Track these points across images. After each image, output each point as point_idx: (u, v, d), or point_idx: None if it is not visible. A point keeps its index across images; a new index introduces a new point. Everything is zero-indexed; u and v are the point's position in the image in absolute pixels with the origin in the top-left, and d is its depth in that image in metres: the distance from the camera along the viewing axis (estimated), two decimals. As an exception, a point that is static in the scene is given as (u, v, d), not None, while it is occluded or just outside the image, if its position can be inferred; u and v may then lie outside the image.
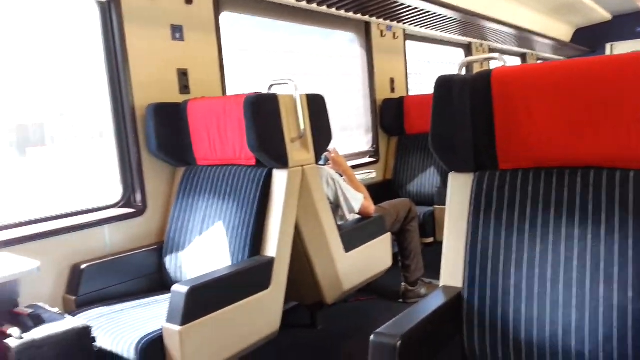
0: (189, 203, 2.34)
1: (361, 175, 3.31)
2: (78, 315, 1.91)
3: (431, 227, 3.45)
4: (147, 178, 2.38)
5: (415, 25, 4.22)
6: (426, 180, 3.79)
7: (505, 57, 2.15)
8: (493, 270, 1.44)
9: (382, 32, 4.02)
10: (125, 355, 1.71)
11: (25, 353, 1.49)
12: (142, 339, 1.71)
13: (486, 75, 1.49)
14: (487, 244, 1.46)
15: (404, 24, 4.12)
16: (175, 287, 1.76)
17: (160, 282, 2.30)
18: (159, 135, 2.30)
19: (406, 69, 4.39)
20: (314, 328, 2.83)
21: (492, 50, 5.86)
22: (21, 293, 1.78)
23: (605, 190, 1.34)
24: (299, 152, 2.25)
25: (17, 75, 2.12)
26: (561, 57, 7.63)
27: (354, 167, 3.48)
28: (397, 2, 3.42)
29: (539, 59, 7.45)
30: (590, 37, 7.65)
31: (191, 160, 2.41)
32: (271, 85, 2.44)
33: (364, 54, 3.96)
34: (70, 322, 1.63)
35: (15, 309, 1.71)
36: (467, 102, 1.50)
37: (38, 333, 1.55)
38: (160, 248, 2.35)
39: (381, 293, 3.23)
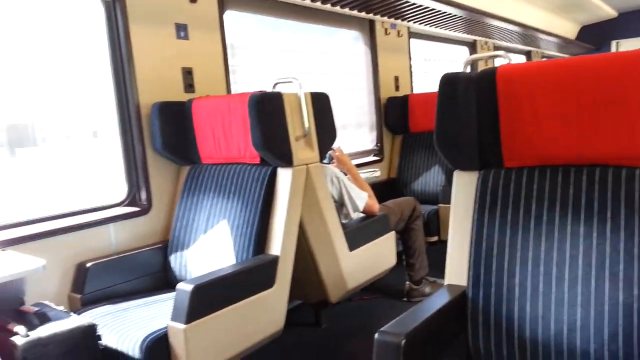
0: (194, 201, 2.34)
1: (365, 174, 3.31)
2: (83, 314, 1.92)
3: (435, 225, 3.45)
4: (152, 176, 2.39)
5: (420, 23, 4.21)
6: (430, 178, 3.79)
7: (510, 55, 2.14)
8: (498, 269, 1.44)
9: (386, 30, 4.01)
10: (130, 353, 1.71)
11: (31, 351, 1.50)
12: (147, 337, 1.72)
13: (491, 72, 1.48)
14: (492, 242, 1.46)
15: (409, 21, 4.10)
16: (180, 286, 1.77)
17: (165, 281, 2.31)
18: (164, 134, 2.31)
19: (410, 67, 4.38)
20: (318, 327, 2.83)
21: (497, 48, 5.84)
22: (27, 291, 1.79)
23: (610, 188, 1.33)
24: (303, 151, 2.25)
25: (12, 74, 2.12)
26: (566, 55, 7.60)
27: (358, 165, 3.48)
28: (401, 0, 3.41)
29: (544, 56, 7.42)
30: (596, 35, 7.61)
31: (196, 158, 2.42)
32: (275, 84, 2.45)
33: (368, 52, 3.95)
34: (76, 320, 1.64)
35: (21, 307, 1.72)
36: (472, 100, 1.50)
37: (44, 331, 1.56)
38: (165, 246, 2.35)
39: (385, 292, 3.23)
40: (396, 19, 3.95)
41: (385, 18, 3.87)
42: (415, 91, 4.44)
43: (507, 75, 1.46)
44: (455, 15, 4.08)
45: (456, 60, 5.55)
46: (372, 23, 3.90)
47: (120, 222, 2.27)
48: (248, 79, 3.04)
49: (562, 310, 1.33)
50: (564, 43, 6.82)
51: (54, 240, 2.03)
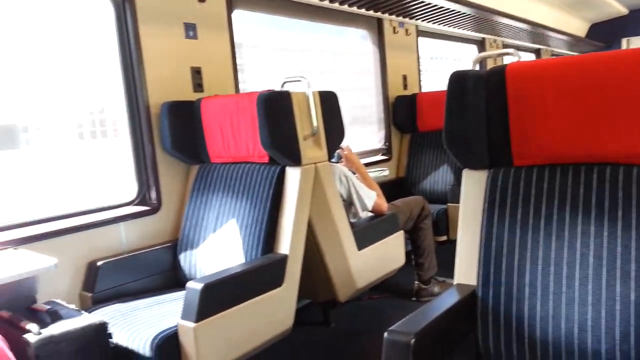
0: (203, 200, 2.35)
1: (374, 173, 3.30)
2: (94, 312, 1.93)
3: (444, 225, 3.44)
4: (162, 176, 2.40)
5: (428, 22, 4.19)
6: (439, 178, 3.77)
7: (519, 52, 2.12)
8: (508, 268, 1.43)
9: (394, 28, 4.00)
10: (140, 351, 1.73)
11: (44, 348, 1.51)
12: (157, 335, 1.73)
13: (501, 70, 1.47)
14: (502, 241, 1.45)
15: (417, 20, 4.09)
16: (189, 284, 1.78)
17: (174, 279, 2.32)
18: (173, 133, 2.32)
19: (419, 66, 4.37)
20: (327, 326, 2.83)
21: (505, 46, 5.81)
22: (39, 290, 1.82)
23: (621, 186, 1.32)
24: (311, 150, 2.25)
25: (22, 74, 2.14)
26: (576, 53, 7.54)
27: (367, 164, 3.47)
28: (409, -2, 3.41)
29: (553, 54, 7.36)
30: (606, 32, 7.54)
31: (205, 158, 2.43)
32: (284, 83, 2.45)
33: (376, 51, 3.94)
34: (87, 319, 1.66)
35: (33, 305, 1.74)
36: (481, 98, 1.49)
37: (56, 329, 1.57)
38: (175, 245, 2.37)
39: (394, 291, 3.22)
40: (404, 17, 3.94)
41: (394, 16, 3.86)
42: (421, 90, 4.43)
43: (517, 73, 1.45)
44: (464, 13, 4.06)
45: (460, 58, 5.52)
46: (380, 21, 3.89)
47: (131, 221, 2.28)
48: (256, 78, 3.05)
49: (573, 309, 1.32)
50: (573, 41, 6.77)
51: (66, 239, 2.05)
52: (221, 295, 1.83)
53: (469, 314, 1.46)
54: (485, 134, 1.51)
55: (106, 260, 2.12)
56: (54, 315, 1.65)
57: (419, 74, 4.39)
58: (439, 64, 5.26)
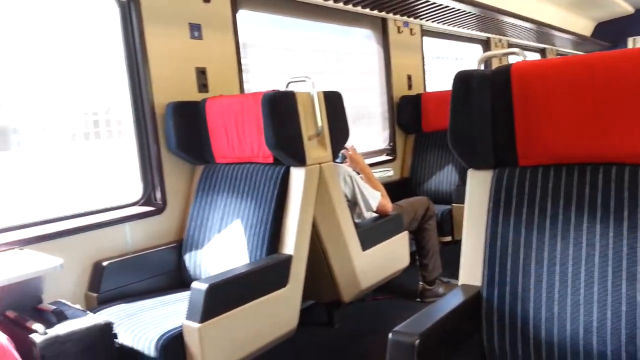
0: (208, 201, 2.36)
1: (378, 173, 3.30)
2: (99, 312, 1.94)
3: (449, 225, 3.43)
4: (167, 176, 2.41)
5: (433, 21, 4.18)
6: (444, 178, 3.77)
7: (525, 52, 2.12)
8: (513, 268, 1.42)
9: (399, 28, 4.00)
10: (145, 351, 1.73)
11: (50, 348, 1.52)
12: (162, 335, 1.73)
13: (506, 70, 1.47)
14: (507, 241, 1.45)
15: (421, 19, 4.08)
16: (194, 285, 1.78)
17: (179, 280, 2.32)
18: (178, 134, 2.33)
19: (423, 66, 4.36)
20: (331, 326, 2.82)
21: (510, 45, 5.79)
22: (45, 290, 1.82)
23: (627, 186, 1.31)
24: (316, 150, 2.25)
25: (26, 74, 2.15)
26: (581, 52, 7.50)
27: (371, 165, 3.47)
28: (414, -2, 3.40)
29: (558, 54, 7.33)
30: (612, 31, 7.50)
31: (210, 158, 2.43)
32: (289, 83, 2.45)
33: (380, 51, 3.94)
34: (92, 319, 1.67)
35: (39, 305, 1.75)
36: (486, 98, 1.49)
37: (62, 329, 1.58)
38: (180, 245, 2.37)
39: (399, 292, 3.22)
40: (409, 17, 3.93)
41: (398, 16, 3.86)
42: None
43: (522, 72, 1.45)
44: (468, 13, 4.05)
45: (462, 58, 5.50)
46: (384, 21, 3.88)
47: (136, 222, 2.29)
48: (260, 78, 3.05)
49: (578, 310, 1.32)
50: (579, 40, 6.73)
51: (71, 240, 2.06)
52: (226, 295, 1.84)
53: (473, 315, 1.46)
54: (490, 134, 1.51)
55: (111, 261, 2.13)
56: (60, 316, 1.66)
57: (424, 74, 4.38)
58: (440, 63, 5.24)
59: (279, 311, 2.06)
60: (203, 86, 2.54)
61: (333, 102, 2.38)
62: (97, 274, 2.10)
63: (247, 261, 2.11)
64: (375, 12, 3.64)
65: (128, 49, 2.32)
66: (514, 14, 4.53)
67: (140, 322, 1.85)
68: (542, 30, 5.50)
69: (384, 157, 3.92)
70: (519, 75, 1.45)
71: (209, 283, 1.76)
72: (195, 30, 2.50)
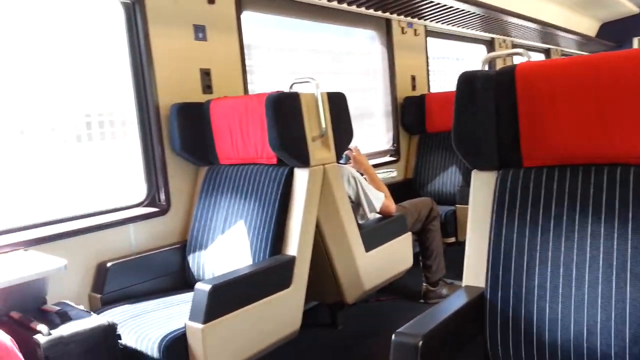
0: (212, 202, 2.36)
1: (382, 174, 3.30)
2: (103, 313, 1.94)
3: (453, 226, 3.42)
4: (171, 177, 2.41)
5: (437, 22, 4.18)
6: (448, 179, 3.76)
7: (529, 52, 2.11)
8: (516, 270, 1.42)
9: (403, 29, 3.99)
10: (149, 352, 1.73)
11: (53, 349, 1.52)
12: (165, 336, 1.73)
13: (510, 70, 1.47)
14: (511, 242, 1.44)
15: (426, 20, 4.08)
16: (198, 285, 1.78)
17: (183, 281, 2.33)
18: (182, 135, 2.33)
19: (427, 66, 4.36)
20: (334, 328, 2.82)
21: (515, 46, 5.77)
22: (49, 291, 1.83)
23: (632, 187, 1.31)
24: (320, 151, 2.25)
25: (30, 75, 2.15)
26: (586, 53, 7.47)
27: (375, 166, 3.46)
28: (418, -2, 3.40)
29: (563, 54, 7.31)
30: (617, 32, 7.48)
31: (214, 159, 2.44)
32: (292, 84, 2.45)
33: (384, 52, 3.94)
34: (96, 320, 1.67)
35: (43, 306, 1.75)
36: (490, 99, 1.48)
37: (65, 330, 1.58)
38: (184, 246, 2.37)
39: (402, 293, 3.21)
40: (413, 17, 3.92)
41: (402, 17, 3.86)
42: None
43: (527, 73, 1.44)
44: (473, 13, 4.05)
45: (464, 58, 5.48)
46: (388, 22, 3.88)
47: (140, 223, 2.30)
48: (265, 79, 3.06)
49: (582, 312, 1.31)
50: (583, 40, 6.71)
51: (75, 241, 2.07)
52: (229, 296, 1.84)
53: (477, 316, 1.46)
54: (494, 135, 1.51)
55: (115, 262, 2.14)
56: (64, 317, 1.66)
57: (428, 75, 4.38)
58: (441, 63, 5.22)
59: (282, 312, 2.06)
60: (207, 87, 2.54)
61: (337, 103, 2.38)
62: (101, 275, 2.11)
63: (251, 262, 2.11)
64: (379, 13, 3.64)
65: (133, 50, 2.33)
66: (518, 14, 4.52)
67: (144, 323, 1.85)
68: (547, 31, 5.49)
69: (387, 158, 3.92)
70: (524, 76, 1.44)
71: (212, 284, 1.76)
72: (200, 31, 2.50)
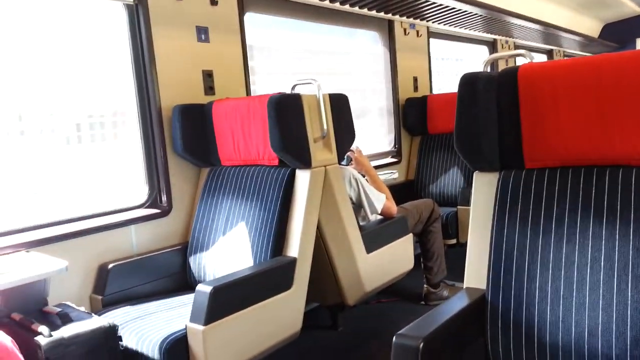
0: (213, 203, 2.36)
1: (383, 176, 3.29)
2: (104, 315, 1.95)
3: (454, 228, 3.42)
4: (173, 179, 2.41)
5: (439, 23, 4.18)
6: (449, 180, 3.75)
7: (532, 54, 2.11)
8: (518, 272, 1.42)
9: (405, 30, 3.99)
10: (149, 354, 1.73)
11: (54, 351, 1.52)
12: (166, 338, 1.73)
13: (513, 72, 1.46)
14: (512, 244, 1.44)
15: (428, 21, 4.08)
16: (199, 287, 1.78)
17: (184, 282, 2.33)
18: (184, 136, 2.33)
19: (430, 68, 4.35)
20: (335, 329, 2.82)
21: (517, 47, 5.77)
22: (50, 292, 1.83)
23: (634, 188, 1.30)
24: (321, 152, 2.25)
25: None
26: (589, 54, 7.46)
27: (377, 167, 3.46)
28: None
29: (565, 55, 7.30)
30: (620, 32, 7.46)
31: (215, 160, 2.44)
32: (294, 86, 2.45)
33: (386, 53, 3.93)
34: (97, 321, 1.67)
35: (44, 308, 1.75)
36: (492, 100, 1.48)
37: (66, 331, 1.59)
38: (185, 248, 2.37)
39: (403, 295, 3.21)
40: (415, 18, 3.92)
41: (404, 18, 3.85)
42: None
43: (529, 74, 1.44)
44: (475, 14, 4.04)
45: (463, 59, 5.47)
46: (390, 23, 3.88)
47: (142, 224, 2.30)
48: (267, 80, 3.06)
49: (584, 314, 1.31)
50: (586, 41, 6.70)
51: (77, 242, 2.07)
52: (230, 298, 1.84)
53: (478, 318, 1.45)
54: (496, 136, 1.50)
55: (116, 263, 2.14)
56: (65, 318, 1.66)
57: (430, 76, 4.37)
58: (439, 64, 5.20)
59: (283, 314, 2.06)
60: (210, 89, 2.54)
61: (339, 104, 2.38)
62: (102, 276, 2.11)
63: (252, 264, 2.11)
64: (382, 14, 3.64)
65: (135, 52, 2.33)
66: (521, 15, 4.52)
67: (145, 325, 1.86)
68: (549, 32, 5.48)
69: (389, 159, 3.91)
70: (526, 77, 1.44)
71: (213, 285, 1.76)
72: (203, 33, 2.50)
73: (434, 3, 3.54)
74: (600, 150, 1.37)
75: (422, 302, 3.09)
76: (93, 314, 1.77)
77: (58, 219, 2.11)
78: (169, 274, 2.31)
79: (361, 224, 2.59)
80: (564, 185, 1.40)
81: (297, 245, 2.11)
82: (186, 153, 2.37)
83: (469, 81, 1.50)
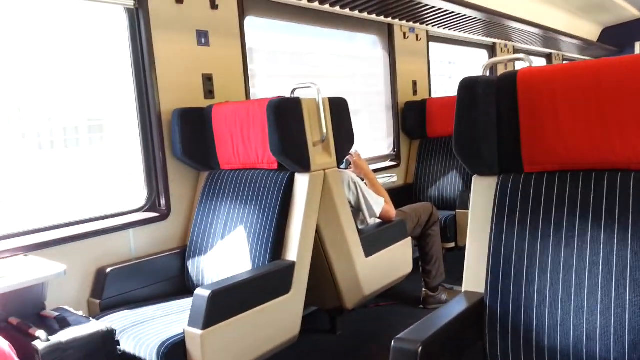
0: (212, 207, 2.36)
1: (382, 179, 3.30)
2: (102, 319, 1.94)
3: (453, 232, 3.41)
4: (172, 182, 2.41)
5: (439, 27, 4.18)
6: (448, 184, 3.75)
7: (531, 58, 2.11)
8: (516, 276, 1.42)
9: (404, 34, 4.00)
10: (147, 358, 1.73)
11: (52, 355, 1.52)
12: (164, 342, 1.73)
13: (512, 76, 1.47)
14: (511, 248, 1.44)
15: (427, 25, 4.09)
16: (197, 291, 1.78)
17: (182, 286, 2.32)
18: (184, 140, 2.33)
19: (429, 71, 4.36)
20: (333, 333, 2.81)
21: (516, 51, 5.78)
22: (48, 296, 1.82)
23: (632, 193, 1.31)
24: (321, 156, 2.25)
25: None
26: (588, 57, 7.47)
27: (375, 170, 3.47)
28: (420, 3, 3.39)
29: (564, 59, 7.31)
30: (619, 36, 7.48)
31: (215, 164, 2.44)
32: (294, 89, 2.45)
33: (386, 57, 3.94)
34: (95, 325, 1.67)
35: (42, 312, 1.75)
36: (491, 104, 1.49)
37: (64, 336, 1.58)
38: (184, 252, 2.37)
39: (402, 299, 3.20)
40: (415, 22, 3.93)
41: (404, 22, 3.86)
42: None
43: (528, 78, 1.45)
44: (474, 18, 4.05)
45: (455, 61, 5.47)
46: (390, 27, 3.89)
47: (140, 228, 2.29)
48: (267, 83, 3.06)
49: (582, 318, 1.31)
50: (585, 45, 6.71)
51: (75, 246, 2.06)
52: (228, 302, 1.83)
53: (476, 322, 1.45)
54: (495, 140, 1.51)
55: (115, 267, 2.13)
56: (63, 322, 1.66)
57: (429, 80, 4.38)
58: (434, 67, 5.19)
59: (281, 318, 2.05)
60: (209, 92, 2.54)
61: (338, 108, 2.38)
62: (100, 280, 2.11)
63: (250, 267, 2.11)
64: (382, 18, 3.64)
65: (135, 55, 2.33)
66: (520, 19, 4.53)
67: (143, 329, 1.85)
68: (548, 35, 5.49)
69: (388, 163, 3.91)
70: (525, 82, 1.45)
71: (212, 289, 1.76)
72: (203, 37, 2.51)
73: (434, 7, 3.54)
74: (599, 154, 1.37)
75: (421, 306, 3.09)
76: (91, 318, 1.76)
77: (56, 223, 2.10)
78: (168, 278, 2.30)
79: (360, 227, 2.59)
80: (562, 189, 1.40)
81: (296, 249, 2.11)
82: (185, 157, 2.37)
83: (468, 85, 1.51)
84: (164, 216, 2.38)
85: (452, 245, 3.43)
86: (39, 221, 2.07)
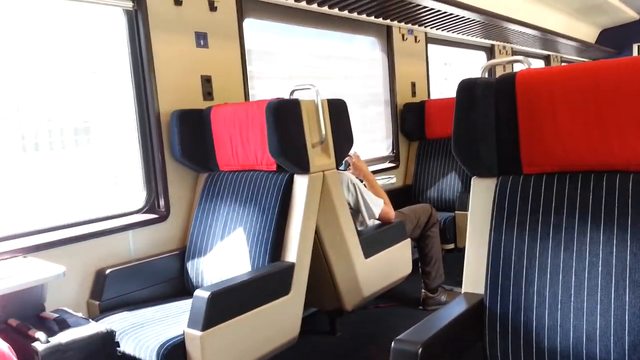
0: (211, 208, 2.36)
1: (381, 181, 3.30)
2: (101, 320, 1.94)
3: (452, 233, 3.42)
4: (171, 184, 2.41)
5: (437, 29, 4.19)
6: (447, 185, 3.76)
7: (529, 59, 2.12)
8: (516, 277, 1.42)
9: (403, 36, 4.01)
10: (147, 360, 1.73)
11: (51, 357, 1.52)
12: (163, 344, 1.73)
13: (510, 78, 1.47)
14: (510, 249, 1.44)
15: (426, 27, 4.09)
16: (197, 293, 1.78)
17: (182, 287, 2.32)
18: (182, 142, 2.33)
19: (428, 73, 4.37)
20: (333, 335, 2.81)
21: (515, 52, 5.79)
22: (47, 298, 1.82)
23: (631, 194, 1.31)
24: (320, 157, 2.25)
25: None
26: (586, 59, 7.50)
27: (374, 172, 3.47)
28: (419, 5, 3.40)
29: (563, 61, 7.33)
30: (617, 38, 7.50)
31: (213, 166, 2.44)
32: (293, 91, 2.46)
33: (385, 58, 3.95)
34: (94, 327, 1.66)
35: (41, 313, 1.75)
36: (490, 106, 1.49)
37: (64, 337, 1.58)
38: (183, 253, 2.37)
39: (401, 300, 3.20)
40: (413, 24, 3.94)
41: (403, 24, 3.87)
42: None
43: (527, 80, 1.45)
44: (473, 20, 4.06)
45: (451, 62, 5.46)
46: (389, 29, 3.89)
47: (139, 229, 2.29)
48: (266, 85, 3.06)
49: (581, 319, 1.31)
50: (583, 47, 6.73)
51: (74, 247, 2.06)
52: (228, 303, 1.83)
53: (476, 323, 1.45)
54: (494, 142, 1.51)
55: (114, 268, 2.13)
56: (62, 324, 1.65)
57: (428, 81, 4.39)
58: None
59: (281, 319, 2.05)
60: (208, 94, 2.54)
61: (337, 109, 2.39)
62: (100, 281, 2.10)
63: (250, 269, 2.11)
64: (380, 20, 3.65)
65: (134, 57, 2.33)
66: (518, 21, 4.54)
67: (142, 330, 1.85)
68: (547, 37, 5.51)
69: (387, 164, 3.92)
70: (524, 83, 1.45)
71: (211, 291, 1.76)
72: (202, 38, 2.51)
73: (432, 9, 3.55)
74: (598, 155, 1.38)
75: (420, 307, 3.09)
76: (90, 320, 1.76)
77: (55, 225, 2.10)
78: (167, 279, 2.30)
79: (359, 229, 2.59)
80: (561, 190, 1.41)
81: (295, 250, 2.11)
82: (184, 158, 2.37)
83: (467, 87, 1.51)
84: (163, 217, 2.38)
85: (452, 246, 3.43)
86: (37, 223, 2.06)
